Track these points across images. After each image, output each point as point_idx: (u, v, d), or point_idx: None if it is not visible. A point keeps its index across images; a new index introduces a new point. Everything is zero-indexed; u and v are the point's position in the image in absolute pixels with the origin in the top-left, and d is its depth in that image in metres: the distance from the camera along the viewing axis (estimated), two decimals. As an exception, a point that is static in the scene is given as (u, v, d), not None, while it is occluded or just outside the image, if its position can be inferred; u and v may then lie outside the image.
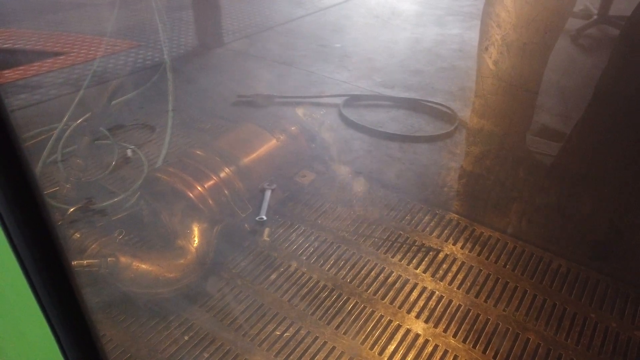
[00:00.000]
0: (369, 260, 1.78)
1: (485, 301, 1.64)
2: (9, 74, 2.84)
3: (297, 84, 3.01)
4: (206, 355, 1.45)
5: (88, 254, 1.52)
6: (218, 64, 3.30)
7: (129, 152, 2.17)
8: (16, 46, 3.23)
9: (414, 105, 2.78)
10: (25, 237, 0.49)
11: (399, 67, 3.25)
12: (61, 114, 2.19)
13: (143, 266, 1.52)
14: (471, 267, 1.76)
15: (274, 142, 2.00)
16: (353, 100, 2.81)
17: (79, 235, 1.56)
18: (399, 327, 1.55)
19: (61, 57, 3.08)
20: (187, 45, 3.45)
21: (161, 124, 2.47)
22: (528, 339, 1.52)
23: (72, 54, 3.13)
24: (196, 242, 1.62)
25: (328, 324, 1.55)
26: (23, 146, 0.49)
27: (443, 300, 1.64)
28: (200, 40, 3.47)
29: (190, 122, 2.58)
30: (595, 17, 3.69)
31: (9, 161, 0.48)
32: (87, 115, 1.94)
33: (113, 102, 2.39)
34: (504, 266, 1.77)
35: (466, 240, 1.88)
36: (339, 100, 2.78)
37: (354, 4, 4.40)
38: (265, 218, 1.78)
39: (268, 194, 1.85)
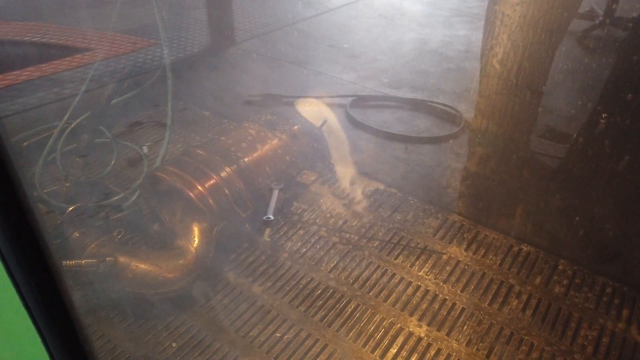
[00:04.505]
0: (371, 262, 1.76)
1: (489, 305, 1.61)
2: (33, 72, 2.87)
3: (305, 84, 3.01)
4: (205, 356, 1.43)
5: (87, 254, 1.50)
6: (229, 63, 3.30)
7: (145, 149, 2.16)
8: (43, 40, 3.26)
9: (420, 106, 2.76)
10: (8, 238, 0.47)
11: (405, 67, 3.23)
12: (73, 112, 2.18)
13: (142, 266, 1.50)
14: (475, 270, 1.74)
15: (276, 141, 1.98)
16: (360, 101, 2.79)
17: (78, 235, 1.55)
18: (401, 330, 1.53)
19: (88, 53, 3.09)
20: (200, 44, 3.46)
21: (175, 122, 2.48)
22: (532, 344, 1.49)
23: (97, 51, 3.16)
24: (196, 242, 1.60)
25: (329, 326, 1.53)
26: (6, 144, 0.47)
27: (446, 303, 1.62)
28: (212, 40, 3.49)
29: (200, 120, 2.58)
30: (601, 18, 3.65)
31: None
32: (86, 114, 1.93)
33: (112, 102, 2.38)
34: (508, 269, 1.74)
35: (470, 243, 1.85)
36: (346, 101, 2.76)
37: (362, 4, 4.39)
38: (272, 217, 1.76)
39: (276, 193, 1.83)
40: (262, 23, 3.91)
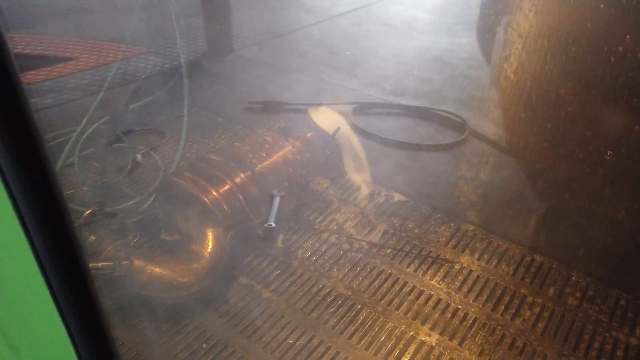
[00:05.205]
0: (383, 270, 1.76)
1: (502, 315, 1.61)
2: (32, 76, 2.88)
3: (307, 91, 3.01)
4: (218, 361, 1.44)
5: (103, 257, 1.52)
6: (227, 70, 3.31)
7: (139, 157, 2.17)
8: (35, 52, 3.27)
9: (423, 114, 2.75)
10: (44, 237, 0.49)
11: (408, 75, 3.24)
12: (74, 117, 2.20)
13: (157, 270, 1.52)
14: (488, 280, 1.73)
15: (289, 148, 1.99)
16: (363, 108, 2.79)
17: (94, 238, 1.57)
18: (413, 338, 1.53)
19: (71, 63, 3.10)
20: (197, 52, 3.46)
21: (170, 130, 2.48)
22: (545, 356, 1.48)
23: (81, 60, 3.16)
24: (210, 247, 1.62)
25: (341, 333, 1.53)
26: (46, 146, 0.49)
27: (459, 312, 1.61)
28: (210, 47, 3.47)
29: (199, 127, 2.57)
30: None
31: (32, 162, 0.48)
32: (104, 119, 1.95)
33: (130, 107, 2.41)
34: (521, 279, 1.74)
35: (482, 252, 1.85)
36: (349, 108, 2.76)
37: (364, 12, 4.40)
38: (274, 225, 1.74)
39: (277, 200, 1.83)
40: (262, 30, 3.88)
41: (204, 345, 1.48)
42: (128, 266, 1.48)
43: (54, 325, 0.56)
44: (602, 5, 1.53)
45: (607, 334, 1.55)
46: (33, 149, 0.46)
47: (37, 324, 0.67)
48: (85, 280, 0.51)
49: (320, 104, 2.81)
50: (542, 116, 1.78)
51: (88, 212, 1.67)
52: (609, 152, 1.61)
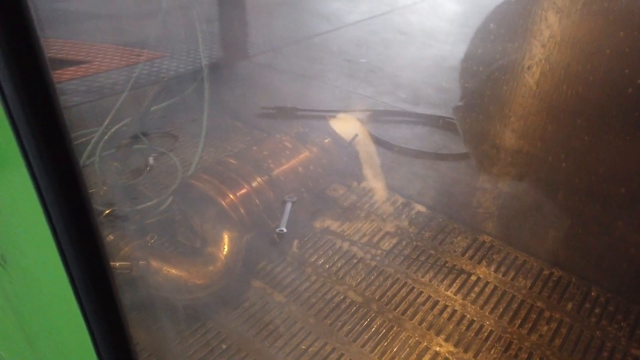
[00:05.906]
0: (398, 279, 1.75)
1: (518, 328, 1.58)
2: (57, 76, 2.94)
3: (321, 98, 3.00)
4: (230, 364, 1.44)
5: (120, 256, 1.54)
6: (242, 76, 3.31)
7: (151, 160, 2.18)
8: (56, 56, 3.32)
9: (438, 123, 2.73)
10: (69, 232, 0.50)
11: (424, 84, 3.22)
12: (88, 120, 2.23)
13: (173, 271, 1.53)
14: (504, 292, 1.71)
15: (306, 153, 1.99)
16: (377, 116, 2.78)
17: (112, 237, 1.59)
18: (426, 349, 1.51)
19: (84, 66, 3.15)
20: (212, 57, 3.47)
21: (184, 133, 2.51)
22: (563, 371, 1.45)
23: (95, 63, 3.21)
24: (226, 249, 1.62)
25: (354, 341, 1.52)
26: (73, 144, 0.50)
27: (474, 324, 1.59)
28: (225, 53, 3.48)
29: (213, 131, 2.57)
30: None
31: (59, 159, 0.49)
32: (126, 120, 1.98)
33: (152, 108, 2.44)
34: (539, 293, 1.71)
35: (499, 264, 1.82)
36: (363, 116, 2.75)
37: (381, 20, 4.39)
38: (285, 230, 1.74)
39: (289, 206, 1.82)
40: (277, 37, 3.87)
41: (216, 348, 1.48)
42: (145, 266, 1.50)
43: (74, 320, 0.57)
44: (621, 33, 1.51)
45: (626, 352, 1.51)
46: (61, 143, 0.47)
47: (57, 319, 0.68)
48: (106, 276, 0.52)
49: (333, 111, 2.81)
50: (564, 128, 1.76)
51: (107, 211, 1.69)
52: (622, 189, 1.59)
